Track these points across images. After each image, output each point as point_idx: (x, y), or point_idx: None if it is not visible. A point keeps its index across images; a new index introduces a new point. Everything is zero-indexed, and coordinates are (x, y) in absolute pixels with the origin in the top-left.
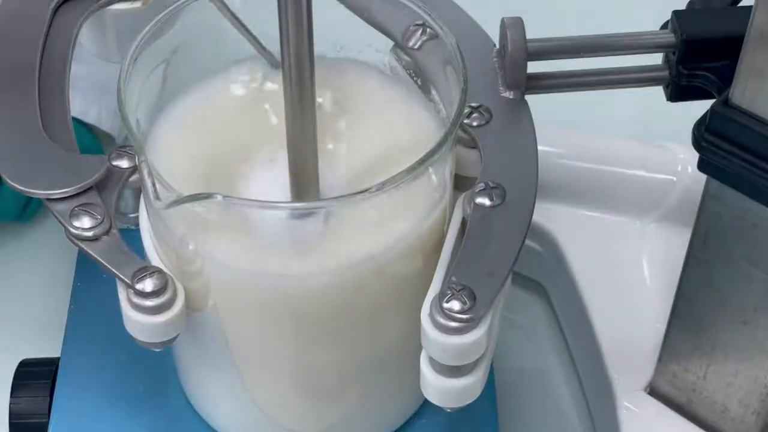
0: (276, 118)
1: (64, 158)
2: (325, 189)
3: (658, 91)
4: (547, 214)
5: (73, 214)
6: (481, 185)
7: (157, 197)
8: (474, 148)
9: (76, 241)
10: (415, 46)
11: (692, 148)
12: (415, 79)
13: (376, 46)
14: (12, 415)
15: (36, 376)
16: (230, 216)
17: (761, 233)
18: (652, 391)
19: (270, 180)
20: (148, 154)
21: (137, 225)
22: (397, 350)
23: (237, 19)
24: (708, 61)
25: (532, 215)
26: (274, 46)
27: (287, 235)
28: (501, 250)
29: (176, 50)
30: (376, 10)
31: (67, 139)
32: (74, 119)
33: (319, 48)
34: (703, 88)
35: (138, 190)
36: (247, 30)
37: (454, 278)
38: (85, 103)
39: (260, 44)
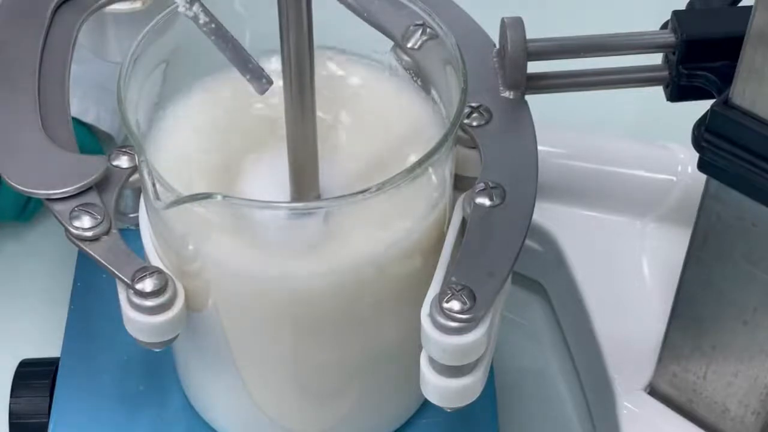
0: (276, 118)
1: (64, 158)
2: (325, 189)
3: (658, 91)
4: (547, 214)
5: (73, 214)
6: (481, 185)
7: (157, 197)
8: (474, 148)
9: (76, 241)
10: (415, 46)
11: (692, 148)
12: (415, 79)
13: (376, 46)
14: (12, 415)
15: (36, 376)
16: (230, 216)
17: (761, 233)
18: (652, 391)
19: (270, 180)
20: (148, 154)
21: (137, 225)
22: (397, 350)
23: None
24: (708, 61)
25: (532, 215)
26: (274, 45)
27: (287, 235)
28: (501, 250)
29: (176, 50)
30: (376, 10)
31: (67, 139)
32: (73, 119)
33: (319, 48)
34: (703, 88)
35: (138, 190)
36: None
37: (454, 278)
38: (84, 103)
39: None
